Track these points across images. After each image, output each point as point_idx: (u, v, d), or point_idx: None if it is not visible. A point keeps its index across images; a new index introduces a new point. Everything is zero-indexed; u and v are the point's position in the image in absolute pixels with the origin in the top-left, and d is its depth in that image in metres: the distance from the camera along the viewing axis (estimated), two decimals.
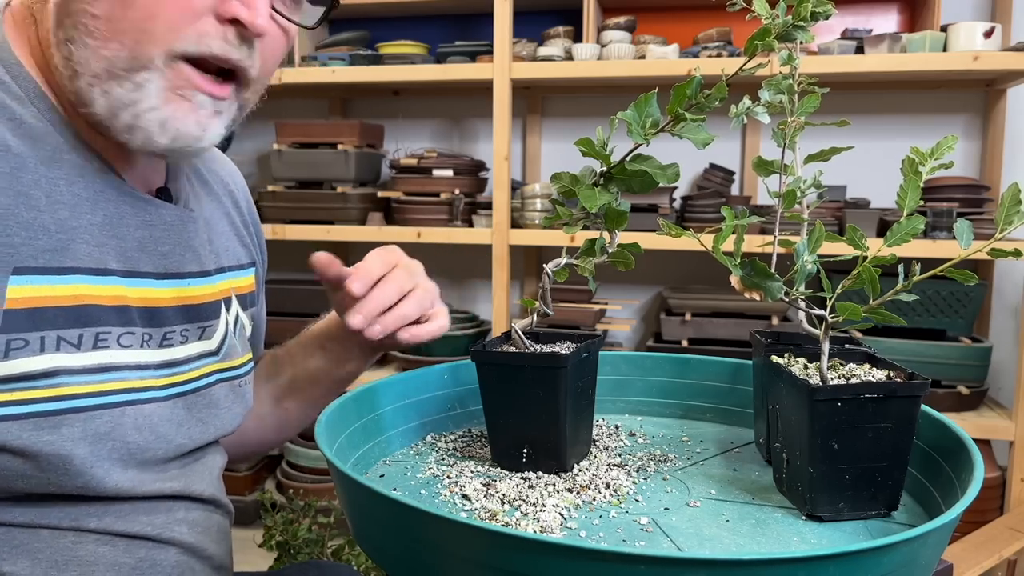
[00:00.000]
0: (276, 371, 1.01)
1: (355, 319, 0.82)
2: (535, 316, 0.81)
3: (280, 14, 0.74)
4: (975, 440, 0.70)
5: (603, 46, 2.22)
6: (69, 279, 0.69)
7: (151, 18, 0.66)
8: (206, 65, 0.69)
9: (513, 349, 0.79)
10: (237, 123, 0.77)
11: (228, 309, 0.87)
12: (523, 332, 0.80)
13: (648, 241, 2.18)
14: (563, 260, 0.79)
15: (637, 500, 0.72)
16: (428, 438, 0.88)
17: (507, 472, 0.78)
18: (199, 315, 0.81)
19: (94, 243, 0.71)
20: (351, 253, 2.84)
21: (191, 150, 0.71)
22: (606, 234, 0.77)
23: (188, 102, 0.69)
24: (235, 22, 0.68)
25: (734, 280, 0.69)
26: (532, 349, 0.79)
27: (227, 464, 0.91)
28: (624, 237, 0.77)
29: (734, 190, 2.48)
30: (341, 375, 0.99)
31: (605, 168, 0.74)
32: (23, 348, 0.66)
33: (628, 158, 0.73)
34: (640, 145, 0.72)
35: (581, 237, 0.78)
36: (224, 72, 0.71)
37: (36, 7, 0.72)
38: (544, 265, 0.79)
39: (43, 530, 0.70)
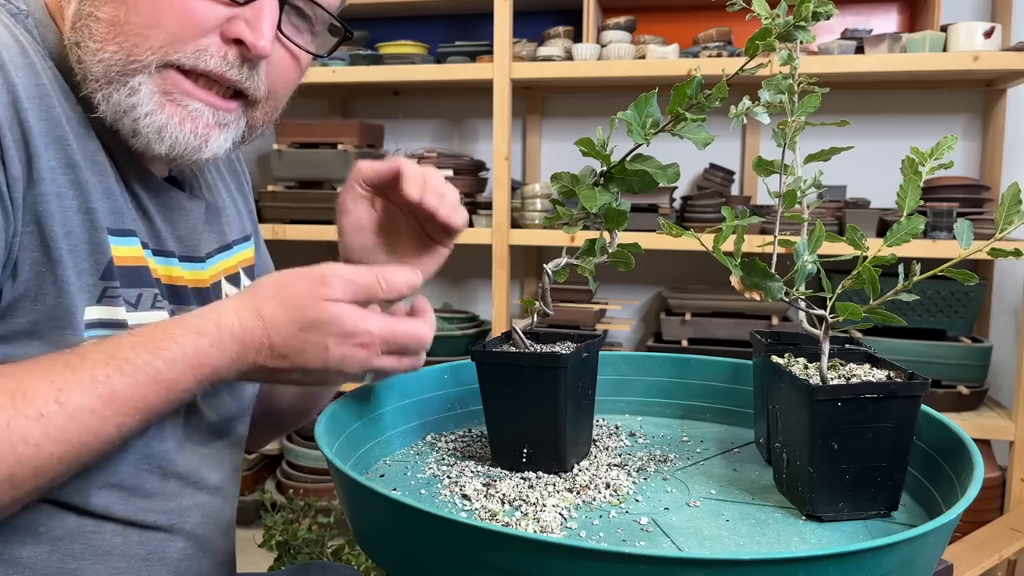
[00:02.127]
0: None
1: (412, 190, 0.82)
2: (535, 316, 0.81)
3: (288, 39, 0.75)
4: (975, 440, 0.70)
5: (603, 46, 2.22)
6: (129, 240, 0.73)
7: (154, 26, 0.67)
8: (209, 80, 0.71)
9: (513, 349, 0.79)
10: (249, 140, 0.79)
11: (238, 286, 0.89)
12: (523, 332, 0.80)
13: (648, 241, 2.17)
14: (563, 260, 0.79)
15: (637, 500, 0.72)
16: (428, 438, 0.88)
17: (507, 472, 0.78)
18: (207, 298, 0.83)
19: (131, 217, 0.74)
20: None
21: (192, 159, 0.73)
22: (606, 234, 0.77)
23: (182, 108, 0.70)
24: (238, 42, 0.70)
25: (734, 280, 0.69)
26: (532, 349, 0.79)
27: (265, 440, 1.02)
28: (624, 237, 0.77)
29: (734, 190, 2.48)
30: None
31: (605, 168, 0.74)
32: (117, 298, 0.70)
33: (628, 158, 0.73)
34: (640, 145, 0.72)
35: (581, 237, 0.78)
36: (234, 91, 0.73)
37: (64, 2, 0.73)
38: (544, 265, 0.79)
39: (69, 516, 0.71)
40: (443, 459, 0.82)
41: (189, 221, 0.81)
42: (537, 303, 0.80)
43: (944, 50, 2.02)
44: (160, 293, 0.75)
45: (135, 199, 0.76)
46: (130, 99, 0.68)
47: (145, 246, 0.75)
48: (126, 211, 0.73)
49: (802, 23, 0.67)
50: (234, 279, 0.88)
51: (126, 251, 0.72)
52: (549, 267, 0.78)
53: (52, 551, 0.71)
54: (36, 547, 0.70)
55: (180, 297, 0.79)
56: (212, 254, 0.85)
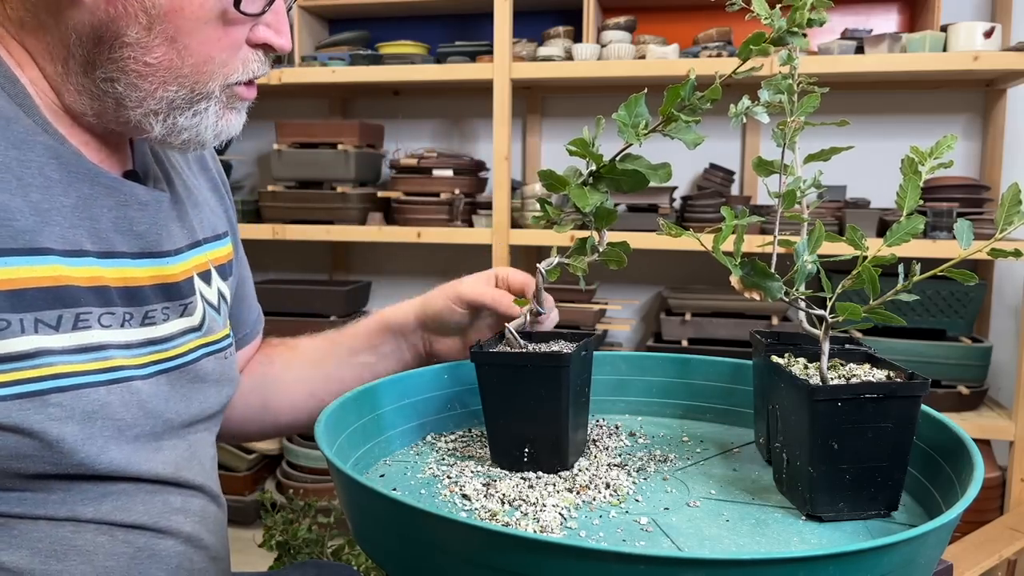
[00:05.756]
0: (319, 364, 1.05)
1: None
2: (527, 315, 0.81)
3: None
4: (975, 440, 0.69)
5: (603, 46, 2.22)
6: (45, 260, 0.70)
7: (208, 61, 0.73)
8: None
9: (508, 349, 0.79)
10: None
11: (209, 283, 0.88)
12: (516, 332, 0.80)
13: (648, 241, 2.18)
14: (555, 259, 0.79)
15: (637, 500, 0.72)
16: (428, 438, 0.88)
17: (507, 472, 0.78)
18: (177, 293, 0.82)
19: (67, 225, 0.72)
20: (351, 253, 2.84)
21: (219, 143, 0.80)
22: (595, 233, 0.77)
23: (237, 111, 0.78)
24: (264, 44, 0.76)
25: (734, 280, 0.69)
26: (526, 348, 0.79)
27: (253, 438, 1.04)
28: (625, 237, 0.77)
29: (734, 190, 2.48)
30: (381, 371, 1.02)
31: (595, 167, 0.74)
32: (6, 329, 0.67)
33: (618, 157, 0.73)
34: (630, 145, 0.72)
35: (580, 237, 0.78)
36: None
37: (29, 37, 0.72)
38: (537, 264, 0.80)
39: (41, 521, 0.71)
40: (443, 459, 0.82)
41: (148, 215, 0.79)
42: (531, 302, 0.80)
43: (944, 50, 2.02)
44: (103, 302, 0.73)
45: (82, 203, 0.73)
46: (194, 119, 0.75)
47: (79, 254, 0.72)
48: (42, 225, 0.70)
49: (795, 28, 0.67)
50: (205, 275, 0.88)
51: (36, 271, 0.69)
52: (542, 266, 0.79)
53: (33, 554, 0.70)
54: (16, 551, 0.70)
55: (138, 298, 0.77)
56: (183, 249, 0.84)
